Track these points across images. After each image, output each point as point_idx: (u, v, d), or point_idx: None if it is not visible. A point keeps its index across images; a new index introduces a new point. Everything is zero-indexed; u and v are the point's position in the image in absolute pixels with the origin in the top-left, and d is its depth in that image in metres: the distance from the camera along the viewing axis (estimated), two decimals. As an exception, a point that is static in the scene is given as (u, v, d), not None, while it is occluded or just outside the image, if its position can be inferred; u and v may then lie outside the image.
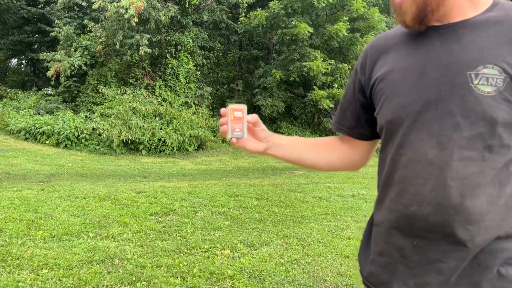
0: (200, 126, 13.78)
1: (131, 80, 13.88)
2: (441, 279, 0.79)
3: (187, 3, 14.05)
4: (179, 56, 14.72)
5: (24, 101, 14.36)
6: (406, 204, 0.81)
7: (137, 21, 12.01)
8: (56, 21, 14.79)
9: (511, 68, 0.74)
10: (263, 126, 0.98)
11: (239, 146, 0.95)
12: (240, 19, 16.59)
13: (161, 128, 12.69)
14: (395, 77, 0.86)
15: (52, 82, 13.66)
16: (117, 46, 12.57)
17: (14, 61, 24.66)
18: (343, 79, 16.46)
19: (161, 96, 13.86)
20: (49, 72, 12.96)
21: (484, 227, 0.75)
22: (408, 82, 0.83)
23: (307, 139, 1.09)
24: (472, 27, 0.79)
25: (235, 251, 3.55)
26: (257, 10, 17.33)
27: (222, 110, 0.96)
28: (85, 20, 14.04)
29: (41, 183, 6.22)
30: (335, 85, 16.02)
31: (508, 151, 0.76)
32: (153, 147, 12.32)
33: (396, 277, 0.84)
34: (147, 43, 12.48)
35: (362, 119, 0.99)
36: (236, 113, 0.94)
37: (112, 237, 3.68)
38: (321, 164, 1.06)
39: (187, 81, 15.00)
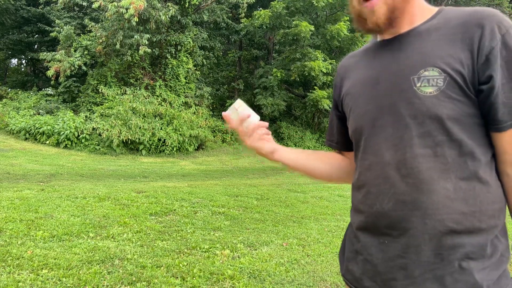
0: (200, 126, 13.78)
1: (131, 80, 13.88)
2: (406, 274, 0.82)
3: (187, 3, 14.04)
4: (179, 56, 14.71)
5: (24, 101, 14.35)
6: (371, 204, 0.87)
7: (137, 21, 12.01)
8: (56, 21, 14.78)
9: (450, 68, 0.79)
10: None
11: (255, 146, 1.02)
12: (242, 20, 16.58)
13: (161, 128, 12.68)
14: (356, 90, 0.94)
15: (52, 82, 13.65)
16: (117, 46, 12.56)
17: (14, 61, 24.66)
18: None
19: (161, 96, 13.85)
20: (49, 72, 12.96)
21: (440, 220, 0.78)
22: (365, 93, 0.91)
23: (310, 150, 1.15)
24: (416, 35, 0.86)
25: (235, 251, 3.55)
26: (258, 10, 17.32)
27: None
28: (85, 20, 14.04)
29: (41, 183, 6.22)
30: (335, 85, 16.01)
31: (461, 146, 0.79)
32: (153, 147, 12.31)
33: (366, 274, 0.89)
34: (147, 43, 12.47)
35: (346, 133, 1.05)
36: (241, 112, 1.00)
37: (112, 237, 3.68)
38: (326, 172, 1.11)
39: (187, 81, 14.99)
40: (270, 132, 1.04)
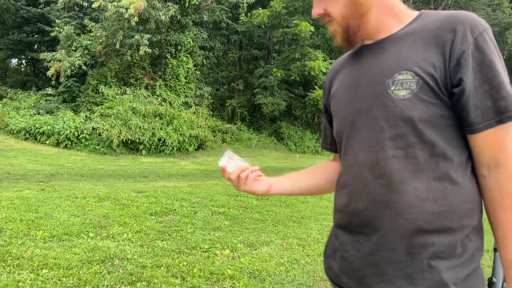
0: (200, 126, 13.77)
1: (131, 80, 13.88)
2: (377, 271, 0.84)
3: (187, 3, 14.04)
4: (179, 56, 14.71)
5: (24, 101, 14.35)
6: (347, 203, 0.91)
7: (137, 20, 12.00)
8: (56, 20, 14.78)
9: (423, 71, 0.81)
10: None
11: (249, 189, 1.06)
12: (241, 18, 16.60)
13: (161, 128, 12.68)
14: (339, 94, 0.98)
15: (52, 82, 13.64)
16: (117, 46, 12.56)
17: (14, 61, 24.66)
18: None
19: (161, 96, 13.85)
20: (49, 72, 12.95)
21: (411, 220, 0.80)
22: (346, 96, 0.95)
23: (300, 170, 1.19)
24: (394, 40, 0.88)
25: (235, 251, 3.55)
26: (258, 10, 17.32)
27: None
28: (85, 20, 14.04)
29: (41, 183, 6.22)
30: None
31: (433, 147, 0.81)
32: (153, 147, 12.31)
33: (343, 271, 0.92)
34: (147, 43, 12.47)
35: None
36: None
37: (112, 237, 3.68)
38: (323, 184, 1.13)
39: (187, 81, 14.99)
40: (262, 173, 1.08)
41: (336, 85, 1.01)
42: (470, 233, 0.82)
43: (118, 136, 11.58)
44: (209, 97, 16.09)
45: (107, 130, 11.63)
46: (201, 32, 15.92)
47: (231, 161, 1.04)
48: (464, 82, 0.78)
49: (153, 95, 13.66)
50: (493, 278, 0.91)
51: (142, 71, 14.14)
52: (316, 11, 0.93)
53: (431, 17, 0.87)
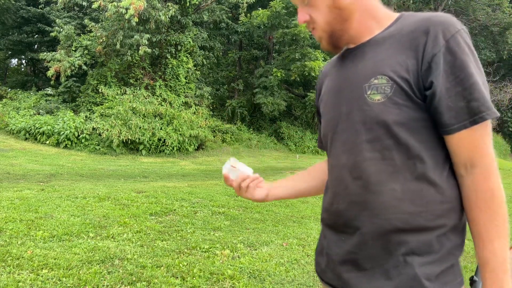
0: (200, 126, 13.77)
1: (131, 80, 13.87)
2: (357, 267, 0.89)
3: (187, 3, 14.04)
4: (179, 56, 14.71)
5: (24, 101, 14.34)
6: (331, 203, 0.96)
7: (137, 21, 12.01)
8: (56, 20, 14.77)
9: (396, 76, 0.82)
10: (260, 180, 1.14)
11: (249, 196, 1.11)
12: (241, 18, 16.61)
13: (161, 128, 12.68)
14: (326, 97, 1.01)
15: (52, 82, 13.64)
16: (117, 46, 12.56)
17: (14, 61, 24.66)
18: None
19: (161, 96, 13.85)
20: (49, 72, 12.95)
21: (387, 220, 0.83)
22: (331, 100, 0.98)
23: (298, 173, 1.23)
24: (373, 44, 0.90)
25: (235, 251, 3.55)
26: (258, 10, 17.33)
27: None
28: (85, 20, 14.03)
29: (41, 183, 6.22)
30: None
31: (408, 149, 0.83)
32: (153, 147, 12.31)
33: (328, 267, 0.97)
34: (147, 43, 12.46)
35: None
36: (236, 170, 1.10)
37: (112, 237, 3.68)
38: (319, 185, 1.18)
39: (187, 81, 14.99)
40: (262, 179, 1.12)
41: (324, 88, 1.04)
42: (448, 231, 0.83)
43: (118, 136, 11.58)
44: (209, 97, 16.09)
45: (107, 130, 11.63)
46: (201, 32, 15.92)
47: (233, 169, 1.08)
48: (435, 85, 0.80)
49: (153, 95, 13.66)
50: (474, 277, 0.94)
51: (142, 71, 14.14)
52: (301, 18, 0.95)
53: (408, 20, 0.87)
